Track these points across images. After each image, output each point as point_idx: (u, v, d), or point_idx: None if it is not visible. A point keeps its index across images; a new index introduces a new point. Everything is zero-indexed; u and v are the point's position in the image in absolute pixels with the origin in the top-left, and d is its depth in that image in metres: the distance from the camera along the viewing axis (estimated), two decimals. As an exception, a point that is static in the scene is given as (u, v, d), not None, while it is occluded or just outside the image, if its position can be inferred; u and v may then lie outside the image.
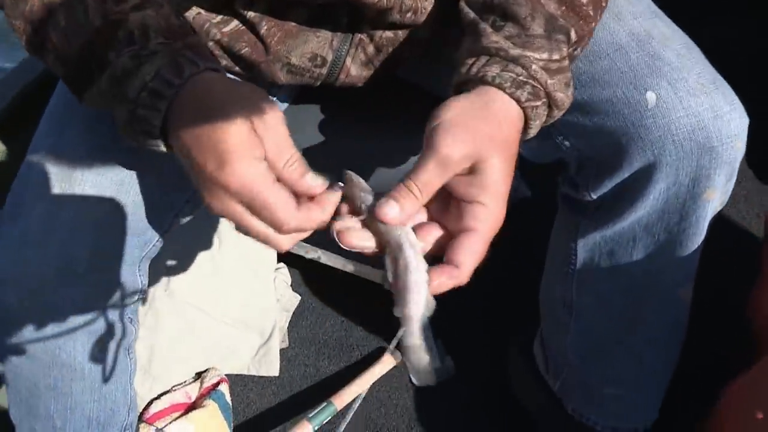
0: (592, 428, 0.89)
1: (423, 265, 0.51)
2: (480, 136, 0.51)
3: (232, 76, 0.63)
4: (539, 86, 0.54)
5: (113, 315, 0.78)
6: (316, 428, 1.06)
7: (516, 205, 1.23)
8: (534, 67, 0.54)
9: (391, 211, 0.51)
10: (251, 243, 1.25)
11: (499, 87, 0.54)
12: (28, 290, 0.71)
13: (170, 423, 1.03)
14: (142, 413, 1.07)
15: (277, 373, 1.19)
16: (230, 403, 1.11)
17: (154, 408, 1.07)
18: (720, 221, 1.21)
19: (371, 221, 0.53)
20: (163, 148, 0.56)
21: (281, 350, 1.21)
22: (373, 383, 1.13)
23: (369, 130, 0.84)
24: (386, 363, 1.15)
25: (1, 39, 1.19)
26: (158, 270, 1.14)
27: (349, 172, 0.57)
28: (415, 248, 0.52)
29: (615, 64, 0.67)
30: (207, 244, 1.19)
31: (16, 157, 0.75)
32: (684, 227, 0.69)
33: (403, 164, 0.82)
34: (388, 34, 0.72)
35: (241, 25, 0.72)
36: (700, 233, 0.70)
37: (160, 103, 0.53)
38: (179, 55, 0.54)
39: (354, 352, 1.21)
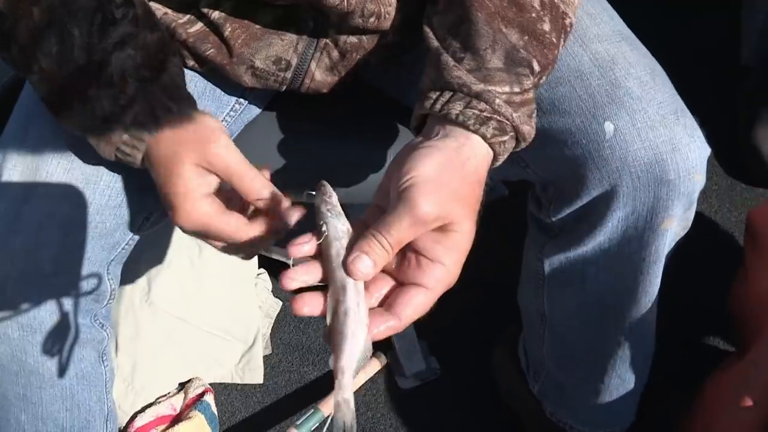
0: None
1: (364, 312, 0.49)
2: (456, 198, 0.50)
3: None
4: (505, 120, 0.54)
5: (83, 319, 0.76)
6: (305, 435, 1.06)
7: (499, 204, 1.25)
8: (498, 101, 0.54)
9: (363, 267, 0.50)
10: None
11: (463, 125, 0.53)
12: None
13: (156, 436, 1.02)
14: (126, 427, 1.06)
15: (261, 381, 1.18)
16: (216, 413, 1.10)
17: (139, 422, 1.05)
18: (695, 217, 1.25)
19: (326, 247, 0.51)
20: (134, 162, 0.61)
21: (265, 357, 1.20)
22: (360, 387, 1.13)
23: (338, 137, 0.84)
24: (372, 366, 1.15)
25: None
26: (138, 279, 1.13)
27: (323, 182, 0.56)
28: (359, 293, 0.50)
29: (575, 91, 0.66)
30: (187, 252, 1.18)
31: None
32: (644, 255, 0.70)
33: (371, 171, 0.82)
34: (353, 39, 0.72)
35: (205, 27, 0.71)
36: (660, 260, 0.71)
37: (140, 145, 0.59)
38: (155, 100, 0.59)
39: (338, 357, 1.20)
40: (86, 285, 0.74)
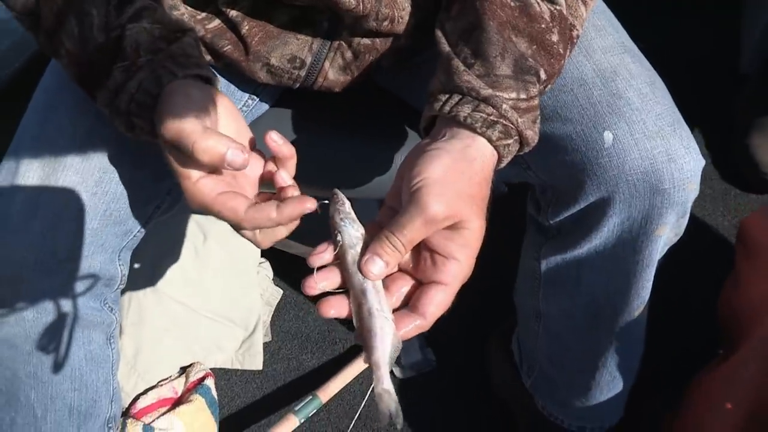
0: (559, 426, 0.94)
1: (388, 308, 0.52)
2: (464, 197, 0.53)
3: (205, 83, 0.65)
4: (510, 125, 0.57)
5: (93, 303, 0.78)
6: (302, 421, 1.08)
7: (497, 203, 1.27)
8: (504, 106, 0.56)
9: (375, 269, 0.53)
10: (234, 239, 1.26)
11: (470, 127, 0.56)
12: (8, 276, 0.72)
13: (158, 418, 1.05)
14: (129, 408, 1.08)
15: (260, 367, 1.21)
16: (216, 397, 1.12)
17: (141, 403, 1.08)
18: (689, 221, 1.27)
19: (342, 254, 0.54)
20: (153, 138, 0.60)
21: (265, 344, 1.23)
22: (357, 376, 1.16)
23: (346, 136, 0.86)
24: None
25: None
26: (143, 265, 1.15)
27: (336, 191, 0.58)
28: (379, 292, 0.53)
29: (577, 99, 0.68)
30: (191, 240, 1.20)
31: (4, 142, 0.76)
32: (637, 260, 0.73)
33: (377, 169, 0.84)
34: (366, 41, 0.74)
35: (223, 24, 0.73)
36: (652, 264, 0.74)
37: (145, 113, 0.59)
38: (160, 66, 0.59)
39: (336, 346, 1.23)
40: (98, 271, 0.76)
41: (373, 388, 0.52)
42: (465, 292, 1.26)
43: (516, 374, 1.00)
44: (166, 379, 1.13)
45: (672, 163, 0.66)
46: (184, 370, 1.16)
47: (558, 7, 0.60)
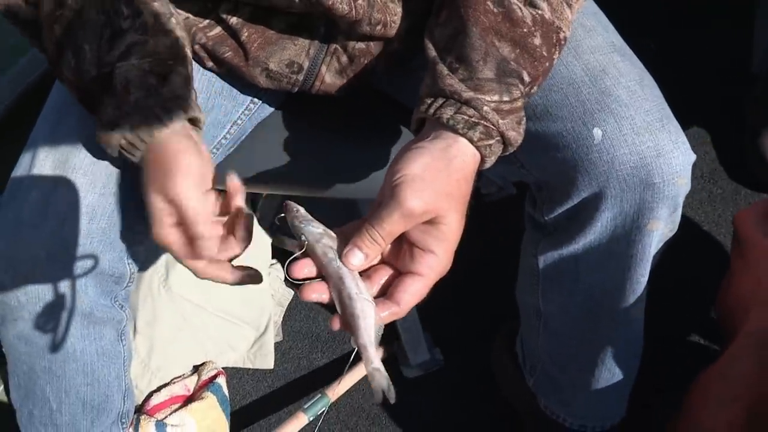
0: (561, 425, 0.94)
1: (366, 291, 0.55)
2: (441, 193, 0.55)
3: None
4: (491, 126, 0.59)
5: (104, 300, 0.81)
6: (311, 419, 1.10)
7: (503, 203, 1.28)
8: (485, 108, 0.58)
9: (355, 260, 0.56)
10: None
11: (452, 129, 0.58)
12: (21, 272, 0.75)
13: (170, 415, 1.07)
14: (142, 405, 1.11)
15: (271, 366, 1.23)
16: (228, 395, 1.15)
17: (154, 400, 1.11)
18: (695, 218, 1.27)
19: (311, 250, 0.57)
20: None
21: (276, 344, 1.25)
22: (365, 375, 1.17)
23: (345, 138, 0.89)
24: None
25: None
26: (157, 266, 1.18)
27: (287, 201, 0.61)
28: (356, 277, 0.55)
29: (567, 98, 0.70)
30: (204, 242, 1.23)
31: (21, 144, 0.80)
32: (631, 253, 0.73)
33: (374, 169, 0.86)
34: (361, 45, 0.76)
35: (223, 31, 0.76)
36: (647, 259, 0.74)
37: (136, 152, 0.64)
38: (151, 114, 0.63)
39: (346, 345, 1.25)
40: (108, 268, 0.79)
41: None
42: (473, 293, 1.28)
43: (519, 374, 1.01)
44: (179, 377, 1.16)
45: (660, 158, 0.67)
46: (196, 368, 1.19)
47: (540, 12, 0.62)
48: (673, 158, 0.68)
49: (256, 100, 0.87)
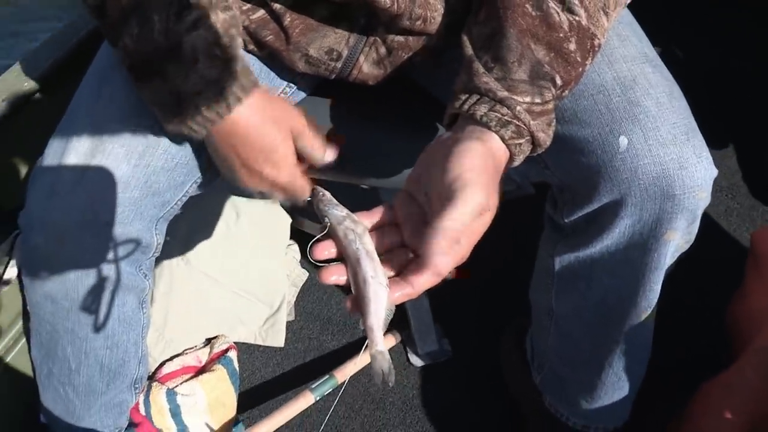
0: (564, 423, 0.96)
1: (382, 275, 0.55)
2: (493, 191, 0.57)
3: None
4: (523, 126, 0.60)
5: (129, 267, 0.84)
6: (317, 398, 1.12)
7: (521, 203, 1.30)
8: (518, 108, 0.60)
9: (445, 268, 0.55)
10: (266, 220, 1.31)
11: (486, 125, 0.59)
12: (53, 235, 0.77)
13: (181, 384, 1.09)
14: (154, 373, 1.14)
15: (282, 344, 1.25)
16: (238, 369, 1.17)
17: (167, 369, 1.13)
18: (711, 231, 1.28)
19: (333, 232, 0.58)
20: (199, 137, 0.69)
21: (288, 323, 1.27)
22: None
23: (377, 127, 0.90)
24: (387, 342, 1.21)
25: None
26: (177, 238, 1.20)
27: (315, 186, 0.65)
28: (373, 260, 0.56)
29: (596, 105, 0.71)
30: (224, 218, 1.25)
31: (62, 109, 0.81)
32: (646, 261, 0.75)
33: (404, 161, 0.87)
34: (399, 38, 0.78)
35: (267, 15, 0.77)
36: (661, 267, 0.75)
37: (208, 124, 0.68)
38: (228, 91, 0.66)
39: (357, 330, 1.27)
40: (136, 237, 0.81)
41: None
42: (486, 288, 1.29)
43: (527, 370, 1.02)
44: (192, 348, 1.18)
45: (683, 171, 0.68)
46: (209, 341, 1.21)
47: (577, 18, 0.62)
48: (695, 171, 0.69)
49: (292, 84, 0.88)
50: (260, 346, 1.25)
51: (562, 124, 0.72)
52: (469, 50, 0.64)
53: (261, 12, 0.78)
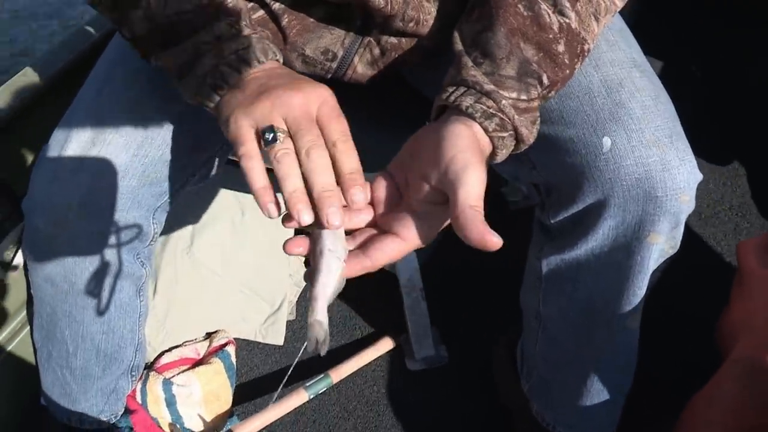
0: None
1: (342, 249, 0.56)
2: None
3: None
4: (507, 120, 0.61)
5: (126, 255, 0.86)
6: (311, 396, 1.13)
7: (527, 210, 1.30)
8: (504, 102, 0.61)
9: (493, 242, 0.53)
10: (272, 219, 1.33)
11: (470, 116, 0.60)
12: (53, 218, 0.80)
13: (177, 374, 1.12)
14: (153, 363, 1.16)
15: (281, 343, 1.27)
16: (235, 364, 1.19)
17: (165, 359, 1.15)
18: (718, 249, 1.27)
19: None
20: (212, 104, 0.65)
21: (288, 322, 1.29)
22: (370, 362, 1.20)
23: (370, 125, 0.91)
24: (384, 345, 1.22)
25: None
26: (183, 232, 1.23)
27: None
28: (336, 235, 0.56)
29: (582, 106, 0.72)
30: (230, 214, 1.27)
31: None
32: (630, 264, 0.75)
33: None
34: (393, 40, 0.79)
35: (266, 15, 0.80)
36: (645, 271, 0.75)
37: (243, 67, 0.63)
38: (266, 41, 0.65)
39: (356, 332, 1.28)
40: (134, 224, 0.83)
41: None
42: (485, 296, 1.29)
43: (516, 378, 1.02)
44: (191, 340, 1.20)
45: (666, 173, 0.69)
46: (208, 335, 1.23)
47: (567, 20, 0.63)
48: (678, 174, 0.69)
49: None
50: (259, 343, 1.27)
51: (548, 125, 0.72)
52: (459, 46, 0.65)
53: (261, 12, 0.80)
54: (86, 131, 0.80)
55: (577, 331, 0.84)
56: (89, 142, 0.79)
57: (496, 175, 1.44)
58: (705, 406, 0.76)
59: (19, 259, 1.10)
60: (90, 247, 0.82)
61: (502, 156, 0.63)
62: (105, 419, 0.99)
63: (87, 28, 1.18)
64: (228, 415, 1.15)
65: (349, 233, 0.59)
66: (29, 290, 0.93)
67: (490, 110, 0.60)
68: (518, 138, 0.62)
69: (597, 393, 0.87)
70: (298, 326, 1.30)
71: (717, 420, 0.73)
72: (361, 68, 0.82)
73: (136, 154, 0.80)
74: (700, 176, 0.71)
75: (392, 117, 0.90)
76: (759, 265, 0.75)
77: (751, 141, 1.42)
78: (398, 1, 0.73)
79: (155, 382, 1.08)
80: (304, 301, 1.33)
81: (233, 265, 1.26)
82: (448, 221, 0.57)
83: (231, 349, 1.19)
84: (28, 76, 1.10)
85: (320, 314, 0.55)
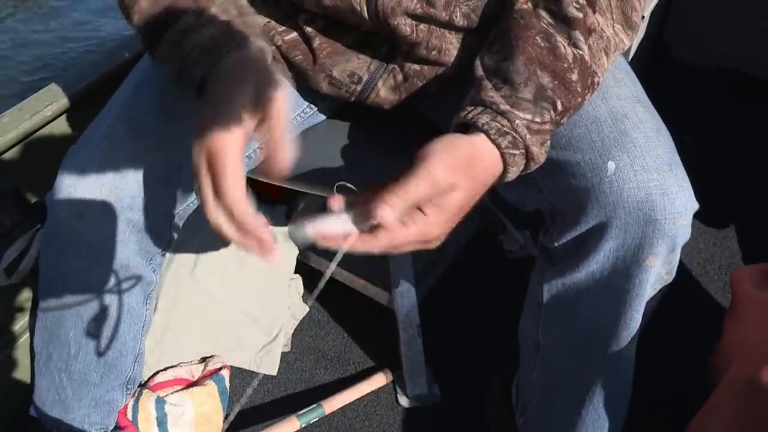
0: None
1: (361, 223, 0.61)
2: (462, 168, 0.63)
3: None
4: (519, 138, 0.66)
5: (140, 258, 0.87)
6: (303, 425, 1.13)
7: (523, 260, 1.33)
8: (517, 122, 0.66)
9: (386, 214, 0.60)
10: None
11: (485, 132, 0.66)
12: (76, 212, 0.81)
13: (171, 394, 1.11)
14: (147, 381, 1.15)
15: (275, 373, 1.26)
16: (228, 388, 1.19)
17: (159, 378, 1.15)
18: (708, 306, 1.29)
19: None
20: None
21: (283, 353, 1.29)
22: (363, 396, 1.21)
23: (387, 152, 0.96)
24: (378, 380, 1.22)
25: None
26: (188, 254, 1.24)
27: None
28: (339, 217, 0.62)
29: (589, 134, 0.77)
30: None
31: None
32: (628, 287, 0.78)
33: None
34: (416, 66, 0.85)
35: (298, 37, 0.85)
36: (641, 295, 0.78)
37: (205, 60, 0.68)
38: (234, 29, 0.69)
39: (349, 367, 1.28)
40: (152, 228, 0.85)
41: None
42: (481, 340, 1.30)
43: (510, 415, 1.03)
44: (186, 363, 1.20)
45: (665, 197, 0.73)
46: (204, 359, 1.23)
47: (580, 52, 0.70)
48: (676, 199, 0.73)
49: (312, 106, 0.95)
50: (254, 372, 1.27)
51: (557, 150, 0.77)
52: (480, 72, 0.71)
53: (294, 34, 0.85)
54: (116, 132, 0.83)
55: (575, 358, 0.86)
56: (118, 143, 0.82)
57: (494, 223, 1.48)
58: (704, 428, 0.77)
59: (23, 267, 1.11)
60: (105, 245, 0.84)
61: (513, 174, 0.67)
62: (94, 432, 0.98)
63: (117, 50, 1.24)
64: (217, 439, 1.14)
65: None
66: (35, 294, 0.93)
67: (504, 128, 0.65)
68: (528, 156, 0.67)
69: (592, 424, 0.88)
70: (293, 358, 1.30)
71: (712, 445, 0.74)
72: (384, 92, 0.87)
73: (157, 159, 0.83)
74: (696, 205, 0.75)
75: (408, 143, 0.94)
76: (753, 288, 0.78)
77: (741, 203, 1.47)
78: (423, 30, 0.79)
79: (148, 400, 1.08)
80: (300, 335, 1.34)
81: (234, 292, 1.27)
82: (453, 215, 0.62)
83: (225, 373, 1.19)
84: (52, 92, 1.15)
85: (302, 228, 0.60)
